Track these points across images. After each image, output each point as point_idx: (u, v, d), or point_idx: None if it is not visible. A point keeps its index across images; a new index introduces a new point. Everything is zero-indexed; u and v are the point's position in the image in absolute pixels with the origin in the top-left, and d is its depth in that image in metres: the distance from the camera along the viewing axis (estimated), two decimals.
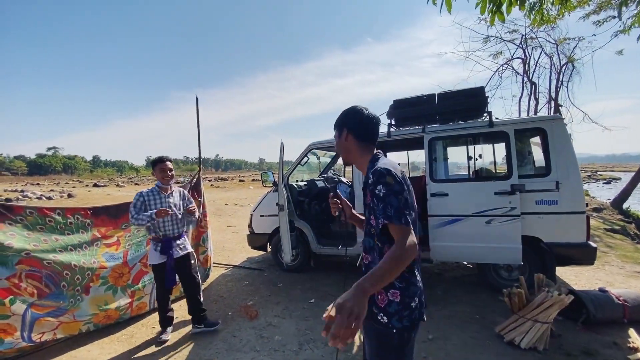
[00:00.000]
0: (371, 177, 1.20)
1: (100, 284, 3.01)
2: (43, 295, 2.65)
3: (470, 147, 4.21)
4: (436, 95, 4.08)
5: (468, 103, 3.87)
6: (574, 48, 12.01)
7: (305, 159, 4.83)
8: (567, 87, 12.70)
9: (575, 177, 3.34)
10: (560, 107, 12.57)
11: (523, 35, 12.31)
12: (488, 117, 3.69)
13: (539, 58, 12.97)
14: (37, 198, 20.25)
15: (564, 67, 12.64)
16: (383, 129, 4.25)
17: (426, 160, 3.87)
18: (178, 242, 2.94)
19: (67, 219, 2.90)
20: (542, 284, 3.05)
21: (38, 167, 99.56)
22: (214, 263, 4.82)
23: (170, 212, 2.82)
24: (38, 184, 40.80)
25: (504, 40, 12.65)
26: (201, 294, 3.13)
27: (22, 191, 24.70)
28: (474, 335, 2.85)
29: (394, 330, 1.22)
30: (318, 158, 5.54)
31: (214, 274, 4.74)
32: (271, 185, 4.82)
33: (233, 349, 2.78)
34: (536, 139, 3.90)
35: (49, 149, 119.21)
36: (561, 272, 4.38)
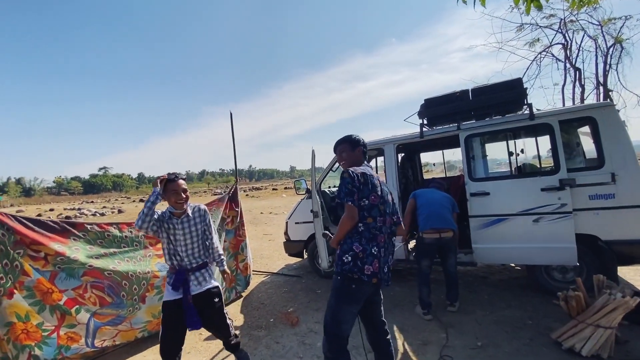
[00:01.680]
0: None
1: (155, 293, 3.21)
2: (105, 304, 2.88)
3: (511, 143, 3.99)
4: (470, 91, 3.94)
5: (505, 96, 3.70)
6: (620, 27, 11.01)
7: (337, 164, 4.85)
8: (616, 70, 11.63)
9: (633, 167, 3.05)
10: (610, 93, 11.53)
11: (562, 19, 11.49)
12: (528, 109, 3.49)
13: (581, 42, 12.00)
14: (92, 215, 22.11)
15: (611, 49, 11.62)
16: (415, 129, 4.18)
17: (463, 158, 3.73)
18: (197, 274, 2.27)
19: (122, 233, 3.15)
20: (602, 285, 2.80)
21: (91, 186, 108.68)
22: (253, 271, 4.96)
23: (163, 176, 2.22)
24: (92, 201, 44.50)
25: (540, 26, 11.90)
26: (233, 333, 2.46)
27: (79, 209, 27.12)
28: (528, 342, 2.67)
29: (338, 277, 1.91)
30: None
31: (254, 281, 4.87)
32: (304, 192, 4.89)
33: (276, 355, 2.83)
34: (585, 129, 3.62)
35: (100, 169, 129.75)
36: (624, 272, 3.98)
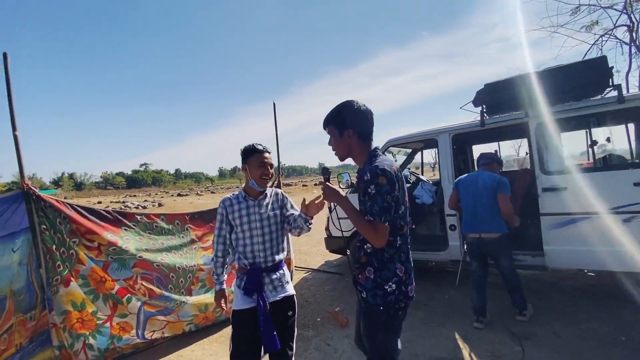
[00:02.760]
0: (368, 175, 1.37)
1: (199, 286, 3.14)
2: (154, 296, 2.84)
3: (592, 131, 3.47)
4: (539, 73, 3.48)
5: (586, 78, 3.21)
6: None
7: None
8: None
9: None
10: None
11: None
12: (617, 91, 2.99)
13: None
14: (135, 207, 23.39)
15: None
16: (469, 117, 3.78)
17: (533, 149, 3.30)
18: (273, 276, 1.83)
19: (169, 225, 3.10)
20: None
21: (134, 181, 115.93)
22: (295, 266, 4.82)
23: (224, 307, 1.90)
24: (135, 195, 47.34)
25: (601, 7, 10.71)
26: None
27: (123, 202, 28.90)
28: None
29: (377, 306, 1.44)
30: (394, 156, 5.21)
31: (295, 277, 4.73)
32: (347, 186, 4.64)
33: (329, 359, 2.63)
34: None
35: (141, 165, 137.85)
36: None
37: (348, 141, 1.51)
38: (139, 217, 2.95)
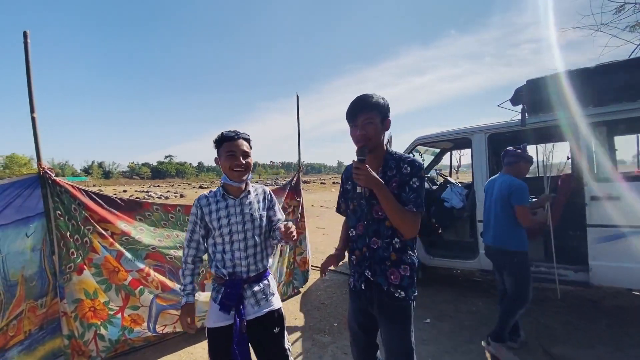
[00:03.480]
0: (408, 167, 1.38)
1: (212, 281, 3.03)
2: (166, 290, 2.75)
3: None
4: (590, 69, 3.12)
5: None
6: None
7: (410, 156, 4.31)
8: None
9: None
10: None
11: None
12: None
13: None
14: (157, 197, 24.09)
15: None
16: (506, 116, 3.46)
17: (582, 153, 2.97)
18: (256, 288, 1.59)
19: (185, 216, 3.01)
20: None
21: (158, 172, 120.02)
22: (311, 266, 4.66)
23: (189, 326, 1.57)
24: (158, 185, 48.89)
25: None
26: None
27: (147, 191, 29.91)
28: None
29: (411, 301, 1.42)
30: (421, 155, 4.94)
31: (312, 277, 4.57)
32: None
33: None
34: None
35: (166, 157, 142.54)
36: None
37: (384, 131, 1.44)
38: (155, 207, 2.86)
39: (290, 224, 1.52)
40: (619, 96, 2.96)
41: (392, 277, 1.40)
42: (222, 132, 1.57)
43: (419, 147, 4.47)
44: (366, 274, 1.46)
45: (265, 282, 1.64)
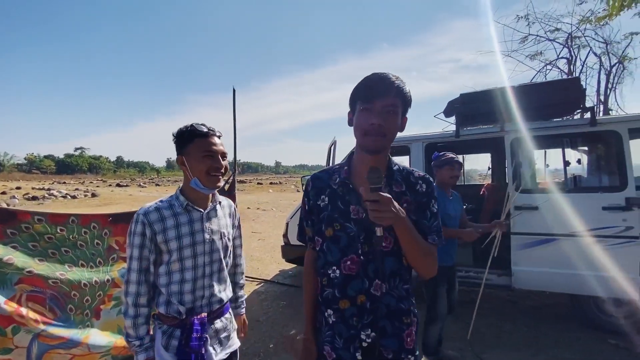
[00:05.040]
0: (423, 184, 1.04)
1: (112, 305, 2.44)
2: (48, 322, 2.12)
3: (566, 151, 3.47)
4: (515, 88, 3.39)
5: (560, 97, 3.17)
6: (626, 47, 10.88)
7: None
8: (614, 90, 11.54)
9: None
10: (610, 112, 11.48)
11: (569, 34, 11.31)
12: (590, 113, 2.97)
13: (586, 58, 11.90)
14: (62, 196, 20.60)
15: (614, 68, 11.52)
16: (438, 126, 3.59)
17: (508, 165, 3.18)
18: (218, 324, 1.31)
19: (81, 228, 2.38)
20: None
21: (66, 167, 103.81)
22: (246, 276, 4.26)
23: None
24: (65, 182, 42.15)
25: (548, 39, 11.67)
26: None
27: (48, 189, 25.34)
28: None
29: None
30: None
31: (247, 289, 4.16)
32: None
33: None
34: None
35: (77, 149, 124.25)
36: None
37: (399, 129, 1.00)
38: (37, 217, 2.20)
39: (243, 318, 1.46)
40: (539, 114, 3.26)
41: (408, 339, 1.01)
42: (192, 125, 1.24)
43: None
44: (363, 337, 0.98)
45: (228, 315, 1.37)
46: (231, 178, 3.76)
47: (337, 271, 1.01)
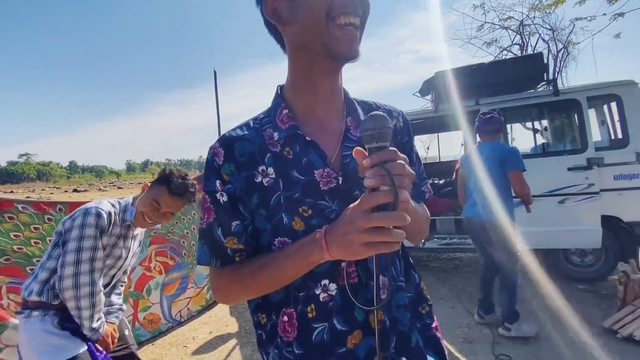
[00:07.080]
0: (401, 119, 0.75)
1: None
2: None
3: (531, 120, 3.77)
4: (486, 64, 3.64)
5: (526, 71, 3.45)
6: (570, 33, 11.85)
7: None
8: (560, 74, 12.58)
9: None
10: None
11: (520, 22, 12.10)
12: (553, 85, 3.27)
13: (536, 44, 12.81)
14: None
15: (560, 53, 12.52)
16: (418, 104, 3.77)
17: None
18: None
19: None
20: (637, 269, 2.67)
21: (10, 175, 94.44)
22: None
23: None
24: (12, 191, 38.46)
25: (502, 26, 12.40)
26: None
27: None
28: (578, 333, 2.41)
29: None
30: None
31: None
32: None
33: None
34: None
35: (21, 155, 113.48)
36: None
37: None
38: (21, 205, 2.05)
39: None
40: (506, 89, 3.52)
41: (437, 331, 0.71)
42: (180, 181, 1.32)
43: None
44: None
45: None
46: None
47: (331, 285, 0.57)
